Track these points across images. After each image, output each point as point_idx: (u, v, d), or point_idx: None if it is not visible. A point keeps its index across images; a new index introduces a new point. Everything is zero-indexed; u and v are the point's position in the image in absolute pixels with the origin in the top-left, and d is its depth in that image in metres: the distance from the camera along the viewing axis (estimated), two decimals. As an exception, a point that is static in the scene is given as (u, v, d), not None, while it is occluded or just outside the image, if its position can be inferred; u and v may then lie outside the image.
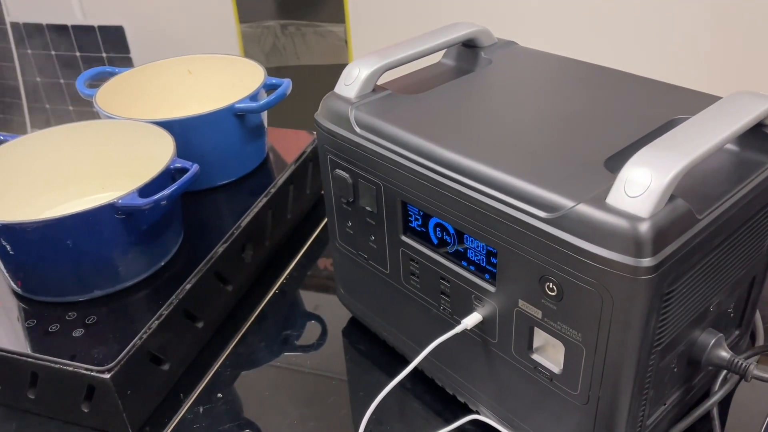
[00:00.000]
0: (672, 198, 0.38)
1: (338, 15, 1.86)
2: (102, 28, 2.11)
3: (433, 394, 0.58)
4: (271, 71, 2.01)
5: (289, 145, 0.86)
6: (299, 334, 0.67)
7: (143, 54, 2.12)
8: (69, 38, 2.16)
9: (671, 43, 1.44)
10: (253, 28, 1.96)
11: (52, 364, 0.54)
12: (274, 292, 0.72)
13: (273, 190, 0.75)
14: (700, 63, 1.44)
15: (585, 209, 0.39)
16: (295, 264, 0.76)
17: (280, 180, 0.77)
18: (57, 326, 0.57)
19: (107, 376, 0.53)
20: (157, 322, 0.58)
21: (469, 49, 0.63)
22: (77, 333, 0.56)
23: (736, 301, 0.51)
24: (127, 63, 2.15)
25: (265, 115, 0.80)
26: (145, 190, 0.57)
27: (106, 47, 2.15)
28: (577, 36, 1.52)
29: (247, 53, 1.97)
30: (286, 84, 0.75)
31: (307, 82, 1.97)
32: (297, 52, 1.97)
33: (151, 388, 0.58)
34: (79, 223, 0.56)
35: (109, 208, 0.56)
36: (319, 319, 0.68)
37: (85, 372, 0.53)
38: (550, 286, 0.42)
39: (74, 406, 0.56)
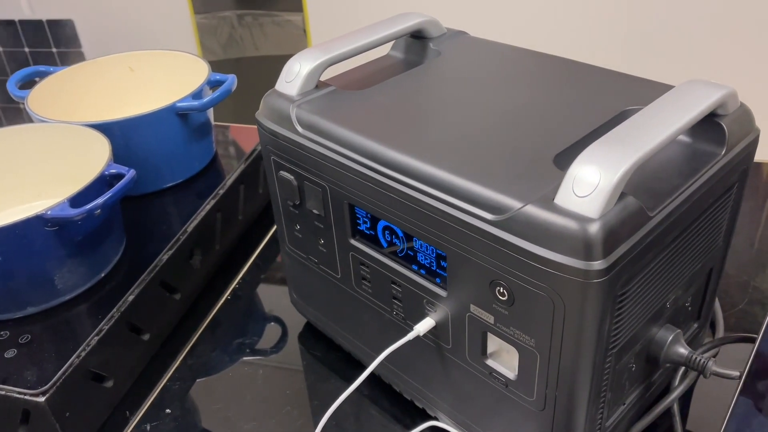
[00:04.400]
0: (622, 196, 0.37)
1: (295, 4, 1.82)
2: (51, 22, 2.04)
3: (391, 399, 0.56)
4: (229, 63, 1.97)
5: (240, 141, 0.82)
6: (253, 341, 0.64)
7: (96, 48, 2.05)
8: (17, 34, 2.07)
9: (624, 30, 1.43)
10: (209, 19, 1.91)
11: (-17, 389, 0.51)
12: (227, 298, 0.69)
13: (221, 191, 0.72)
14: (653, 51, 1.44)
15: (533, 210, 0.37)
16: (249, 267, 0.74)
17: (230, 180, 0.74)
18: (-12, 347, 0.54)
19: (42, 399, 0.50)
20: (97, 338, 0.54)
21: (417, 40, 0.60)
22: (9, 354, 0.53)
23: (693, 294, 0.49)
24: (80, 58, 2.08)
25: (211, 112, 0.76)
26: (77, 199, 0.54)
27: (56, 42, 2.07)
28: (529, 25, 1.50)
29: (204, 45, 1.92)
30: (231, 80, 0.72)
31: (267, 73, 1.93)
32: (255, 42, 1.92)
33: (92, 408, 0.55)
34: (7, 237, 0.52)
35: (38, 220, 0.52)
36: (273, 325, 0.66)
37: (18, 396, 0.50)
38: (501, 290, 0.40)
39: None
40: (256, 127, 0.85)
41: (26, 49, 2.12)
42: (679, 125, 0.39)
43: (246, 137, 0.84)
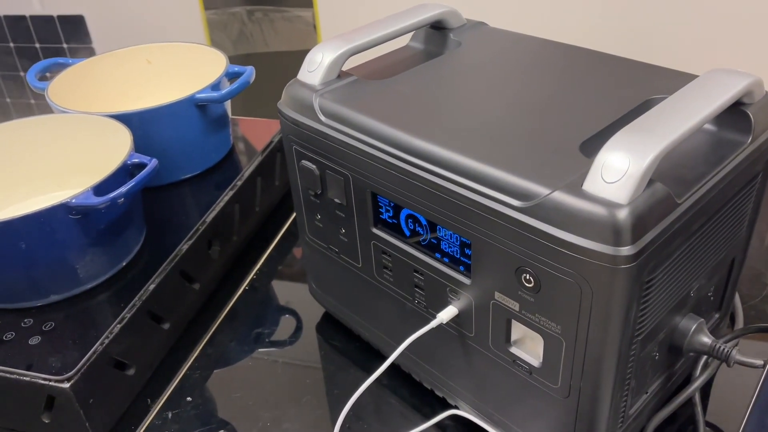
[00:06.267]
0: (650, 182, 0.37)
1: (306, -1, 1.82)
2: (61, 17, 2.04)
3: (410, 389, 0.57)
4: (239, 59, 1.97)
5: (256, 135, 0.83)
6: (271, 331, 0.64)
7: (106, 44, 2.05)
8: (27, 29, 2.08)
9: (646, 19, 1.43)
10: (219, 14, 1.91)
11: (8, 375, 0.51)
12: (244, 289, 0.70)
13: (239, 183, 0.72)
14: (676, 40, 1.43)
15: (561, 197, 0.37)
16: (266, 258, 0.74)
17: (247, 172, 0.74)
18: (12, 334, 0.54)
19: (67, 385, 0.50)
20: (119, 326, 0.55)
21: (437, 31, 0.61)
22: (34, 341, 0.54)
23: (715, 284, 0.50)
24: (90, 53, 2.08)
25: (228, 104, 0.77)
26: (100, 188, 0.54)
27: (66, 37, 2.08)
28: (549, 16, 1.50)
29: (214, 41, 1.92)
30: (249, 72, 0.72)
31: (277, 69, 1.93)
32: (265, 38, 1.93)
33: (115, 395, 0.55)
34: (32, 225, 0.53)
35: (63, 209, 0.53)
36: (291, 315, 0.66)
37: (43, 382, 0.50)
38: (527, 277, 0.40)
39: (34, 418, 0.53)
40: (270, 120, 0.86)
41: (37, 45, 2.13)
42: (706, 113, 0.39)
43: (261, 130, 0.84)
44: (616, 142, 0.37)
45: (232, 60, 1.91)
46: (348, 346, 0.62)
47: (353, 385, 0.57)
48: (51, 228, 0.53)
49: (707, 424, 0.51)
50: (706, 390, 0.54)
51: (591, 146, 0.41)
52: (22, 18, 2.05)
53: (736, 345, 0.55)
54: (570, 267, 0.37)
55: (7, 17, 2.08)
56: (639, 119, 0.39)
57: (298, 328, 0.64)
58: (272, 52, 1.93)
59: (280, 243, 0.76)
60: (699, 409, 0.50)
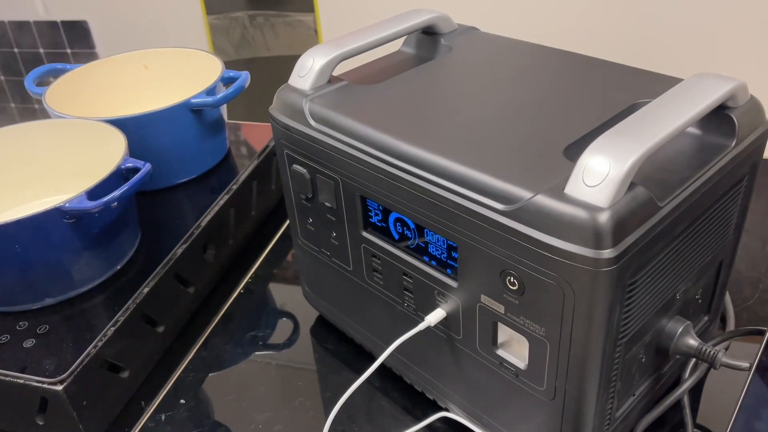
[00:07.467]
0: (632, 186, 0.37)
1: (307, 4, 1.83)
2: (65, 23, 2.06)
3: (402, 391, 0.57)
4: (241, 63, 1.98)
5: (253, 139, 0.83)
6: (266, 334, 0.65)
7: (109, 49, 2.07)
8: (32, 34, 2.10)
9: (634, 24, 1.43)
10: (221, 19, 1.92)
11: (2, 377, 0.52)
12: (240, 292, 0.70)
13: (235, 187, 0.73)
14: (663, 45, 1.43)
15: (543, 200, 0.37)
16: (261, 262, 0.74)
17: (243, 176, 0.75)
18: (7, 337, 0.55)
19: (60, 387, 0.51)
20: (113, 329, 0.55)
21: (428, 36, 0.61)
22: (28, 343, 0.54)
23: (703, 287, 0.50)
24: (93, 58, 2.09)
25: (224, 109, 0.77)
26: (94, 192, 0.55)
27: (70, 43, 2.09)
28: (540, 21, 1.50)
29: (216, 46, 1.93)
30: (244, 77, 0.73)
31: (278, 74, 1.94)
32: (267, 43, 1.94)
33: (109, 398, 0.55)
34: (26, 229, 0.53)
35: (57, 213, 0.54)
36: (286, 318, 0.66)
37: (36, 384, 0.51)
38: (511, 280, 0.41)
39: (28, 420, 0.53)
40: (268, 124, 0.86)
41: (41, 50, 2.14)
42: (688, 117, 0.39)
43: (258, 135, 0.84)
44: (597, 146, 0.37)
45: (234, 64, 1.93)
46: (341, 348, 0.62)
47: (345, 388, 0.58)
48: (45, 232, 0.54)
49: (696, 426, 0.51)
50: (696, 393, 0.54)
51: (575, 150, 0.42)
52: (27, 23, 2.07)
53: (727, 348, 0.55)
54: (552, 270, 0.38)
55: (11, 23, 2.09)
56: (621, 123, 0.39)
57: (293, 332, 0.65)
58: (274, 57, 1.94)
59: (276, 246, 0.77)
60: (688, 411, 0.50)
